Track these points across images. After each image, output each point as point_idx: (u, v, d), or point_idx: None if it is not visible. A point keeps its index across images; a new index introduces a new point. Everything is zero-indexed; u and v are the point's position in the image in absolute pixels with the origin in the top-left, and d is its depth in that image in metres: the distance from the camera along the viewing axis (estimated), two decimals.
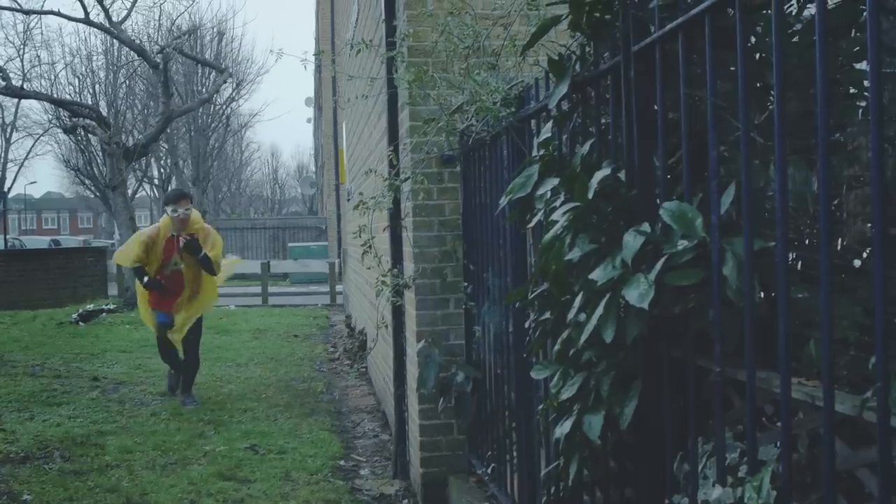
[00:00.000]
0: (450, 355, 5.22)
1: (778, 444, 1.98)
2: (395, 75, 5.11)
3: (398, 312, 5.82)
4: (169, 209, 8.29)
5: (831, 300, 1.71)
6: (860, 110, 2.27)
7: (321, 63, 19.67)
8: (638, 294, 2.14)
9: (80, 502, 5.31)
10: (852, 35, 2.24)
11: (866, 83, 2.28)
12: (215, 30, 36.01)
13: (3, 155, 46.27)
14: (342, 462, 6.32)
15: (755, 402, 2.01)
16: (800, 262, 2.27)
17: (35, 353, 11.37)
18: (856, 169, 1.99)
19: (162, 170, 39.98)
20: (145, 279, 8.30)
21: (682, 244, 2.15)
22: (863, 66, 2.25)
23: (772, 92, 2.24)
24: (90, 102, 31.33)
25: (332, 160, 21.83)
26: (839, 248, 2.17)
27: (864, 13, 2.20)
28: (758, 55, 2.28)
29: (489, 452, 4.76)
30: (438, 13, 4.63)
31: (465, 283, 5.19)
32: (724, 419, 2.14)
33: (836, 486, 1.78)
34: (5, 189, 46.00)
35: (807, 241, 2.30)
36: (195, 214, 8.48)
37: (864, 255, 2.21)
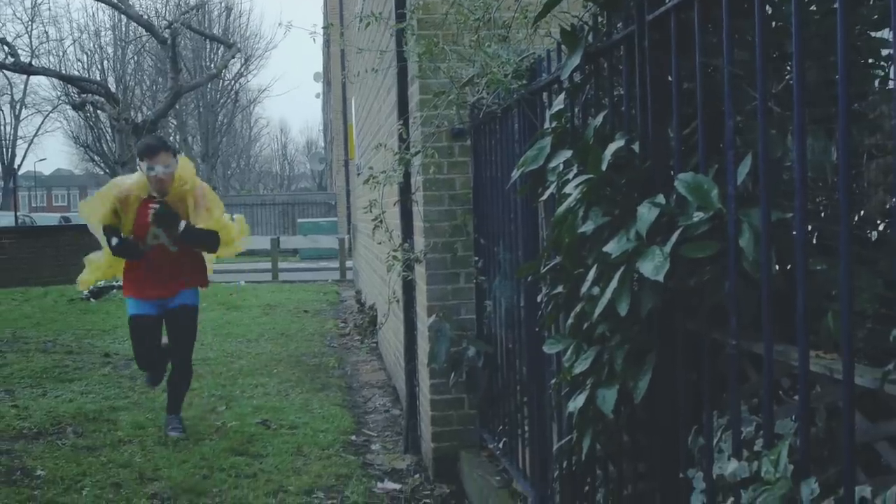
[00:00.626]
0: (461, 330, 5.21)
1: (795, 417, 1.96)
2: (404, 48, 5.07)
3: (409, 287, 5.81)
4: (143, 166, 5.93)
5: (851, 272, 1.69)
6: (877, 79, 2.24)
7: (330, 38, 19.61)
8: (653, 266, 2.11)
9: (93, 477, 5.32)
10: (870, 2, 2.21)
11: (884, 52, 2.25)
12: (223, 4, 35.92)
13: (12, 132, 46.32)
14: (353, 437, 6.33)
15: (772, 376, 1.99)
16: (816, 234, 2.24)
17: (47, 329, 11.41)
18: (877, 138, 1.95)
19: None
20: (114, 241, 5.99)
21: (698, 216, 2.12)
22: (881, 34, 2.21)
23: (788, 62, 2.21)
24: (99, 79, 31.31)
25: (342, 135, 21.81)
26: (857, 219, 2.14)
27: None
28: (774, 24, 2.24)
29: (501, 427, 4.75)
30: None
31: (476, 258, 5.17)
32: (739, 392, 2.12)
33: (856, 460, 1.76)
34: (15, 166, 46.10)
35: (822, 213, 2.27)
36: (185, 169, 6.12)
37: (881, 226, 2.18)
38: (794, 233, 1.86)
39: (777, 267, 2.17)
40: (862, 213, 2.14)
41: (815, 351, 1.93)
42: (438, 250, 5.27)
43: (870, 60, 2.25)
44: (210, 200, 6.15)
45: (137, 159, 6.07)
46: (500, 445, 4.72)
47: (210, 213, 6.09)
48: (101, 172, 44.35)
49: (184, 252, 6.14)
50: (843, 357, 1.71)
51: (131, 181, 6.13)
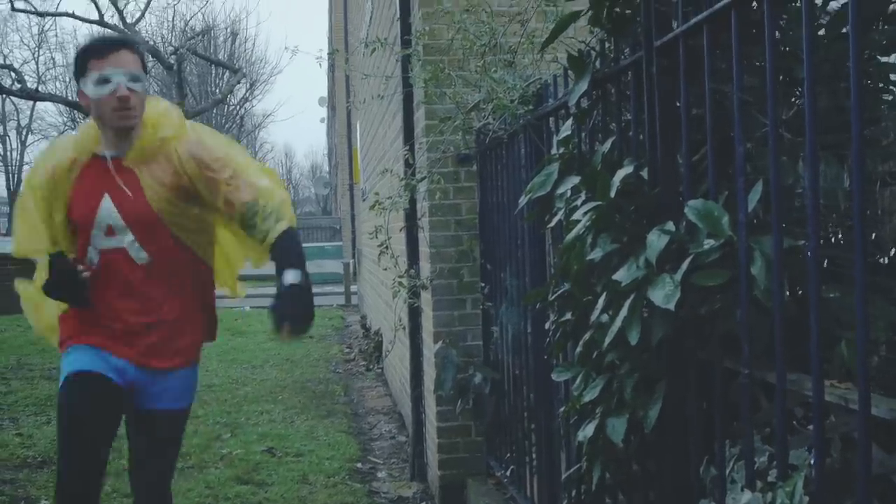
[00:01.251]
0: (467, 356, 5.18)
1: (809, 448, 1.93)
2: (410, 74, 5.07)
3: (415, 313, 5.78)
4: (89, 82, 3.07)
5: (867, 300, 1.66)
6: (885, 105, 2.23)
7: (334, 63, 19.69)
8: (664, 295, 2.09)
9: None
10: (879, 27, 2.19)
11: (893, 76, 2.23)
12: (229, 30, 36.09)
13: (18, 158, 46.44)
14: (359, 464, 6.29)
15: (785, 406, 1.96)
16: (826, 261, 2.21)
17: (51, 356, 11.35)
18: (890, 165, 1.93)
19: None
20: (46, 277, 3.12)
21: (709, 243, 2.09)
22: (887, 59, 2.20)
23: (798, 88, 2.20)
24: None
25: (346, 160, 21.83)
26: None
27: (893, 4, 2.15)
28: (784, 48, 2.23)
29: (508, 454, 4.71)
30: (454, 10, 4.59)
31: (482, 284, 5.14)
32: (752, 422, 2.09)
33: (872, 492, 1.73)
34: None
35: (833, 239, 2.25)
36: (160, 111, 3.23)
37: (893, 252, 2.15)
38: (808, 260, 1.83)
39: (788, 294, 2.14)
40: (874, 236, 2.12)
41: (828, 380, 1.90)
42: (444, 276, 5.24)
43: (879, 85, 2.23)
44: (212, 142, 3.25)
45: (77, 74, 3.11)
46: (508, 473, 4.67)
47: (227, 158, 3.20)
48: None
49: (168, 264, 3.20)
50: (860, 387, 1.68)
51: (63, 145, 3.32)
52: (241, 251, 3.48)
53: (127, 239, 3.13)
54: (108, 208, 3.12)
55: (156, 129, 3.16)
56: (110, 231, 3.13)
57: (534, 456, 4.10)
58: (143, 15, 21.53)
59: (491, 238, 4.90)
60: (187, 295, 3.26)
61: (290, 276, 3.04)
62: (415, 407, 5.91)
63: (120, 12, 19.43)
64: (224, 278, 3.53)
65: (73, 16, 20.35)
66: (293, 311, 3.01)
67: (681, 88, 2.28)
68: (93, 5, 19.72)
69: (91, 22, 20.10)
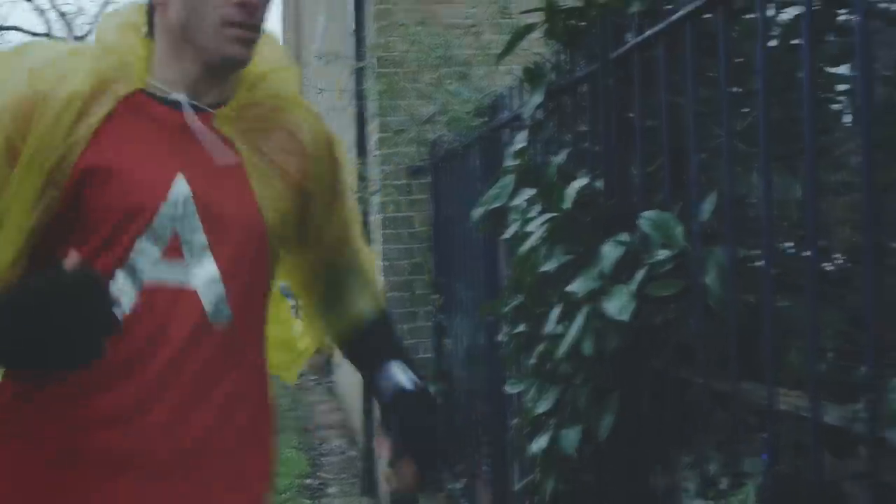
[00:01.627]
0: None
1: (763, 455, 1.94)
2: (364, 86, 5.06)
3: None
4: None
5: (818, 309, 1.68)
6: (835, 115, 2.25)
7: None
8: (619, 306, 2.09)
9: None
10: (829, 39, 2.22)
11: (838, 87, 2.26)
12: None
13: None
14: (309, 480, 6.24)
15: (738, 414, 1.97)
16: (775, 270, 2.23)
17: None
18: (842, 175, 1.96)
19: None
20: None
21: (663, 254, 2.10)
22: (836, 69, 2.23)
23: (750, 99, 2.22)
24: None
25: None
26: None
27: (841, 16, 2.18)
28: (736, 61, 2.25)
29: (460, 467, 4.70)
30: (408, 23, 4.59)
31: (435, 296, 5.13)
32: (705, 431, 2.10)
33: (824, 499, 1.74)
34: None
35: (784, 250, 2.27)
36: (271, 48, 1.65)
37: (840, 261, 2.18)
38: (762, 269, 1.85)
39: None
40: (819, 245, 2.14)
41: (780, 389, 1.92)
42: (397, 288, 5.22)
43: (828, 95, 2.26)
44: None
45: None
46: (459, 486, 4.66)
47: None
48: None
49: (245, 335, 1.61)
50: (810, 395, 1.70)
51: (75, 59, 1.50)
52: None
53: (203, 272, 1.52)
54: (181, 198, 1.51)
55: (267, 78, 1.67)
56: (173, 249, 1.50)
57: (486, 468, 4.10)
58: (92, 29, 21.29)
59: (444, 250, 4.89)
60: (254, 395, 1.69)
61: (406, 376, 1.84)
62: (366, 421, 5.88)
63: (69, 25, 19.29)
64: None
65: (20, 29, 20.16)
66: (426, 430, 1.83)
67: (636, 100, 2.30)
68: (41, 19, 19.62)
69: (39, 35, 19.88)
